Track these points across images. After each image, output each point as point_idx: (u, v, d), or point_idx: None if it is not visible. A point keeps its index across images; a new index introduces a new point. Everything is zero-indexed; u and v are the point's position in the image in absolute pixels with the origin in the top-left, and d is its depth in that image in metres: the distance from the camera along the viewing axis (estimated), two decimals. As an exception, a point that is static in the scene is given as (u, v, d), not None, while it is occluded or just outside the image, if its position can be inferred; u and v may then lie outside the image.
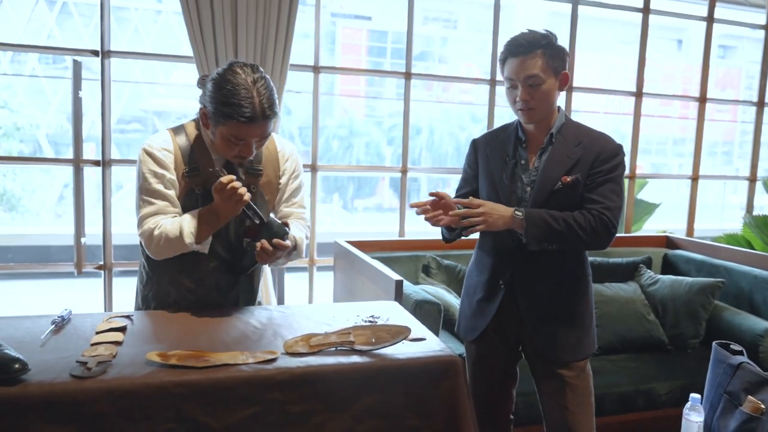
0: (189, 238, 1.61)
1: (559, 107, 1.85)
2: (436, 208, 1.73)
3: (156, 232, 1.62)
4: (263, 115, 1.55)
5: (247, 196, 1.58)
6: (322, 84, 3.40)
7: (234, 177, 1.56)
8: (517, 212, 1.71)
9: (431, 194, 1.75)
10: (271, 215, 1.69)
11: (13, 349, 1.27)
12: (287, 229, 1.67)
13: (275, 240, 1.62)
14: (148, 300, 1.78)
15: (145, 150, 1.67)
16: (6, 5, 12.32)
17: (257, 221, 1.63)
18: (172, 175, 1.66)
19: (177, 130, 1.72)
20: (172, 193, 1.67)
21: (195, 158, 1.68)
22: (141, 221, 1.66)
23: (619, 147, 1.82)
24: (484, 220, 1.69)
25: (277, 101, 1.60)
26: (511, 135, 1.88)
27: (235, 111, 1.52)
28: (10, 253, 9.21)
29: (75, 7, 12.61)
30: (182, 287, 1.74)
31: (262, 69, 1.62)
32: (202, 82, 1.65)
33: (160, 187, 1.65)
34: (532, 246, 1.73)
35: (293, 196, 1.84)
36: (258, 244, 1.62)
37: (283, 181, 1.81)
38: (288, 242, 1.65)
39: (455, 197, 1.94)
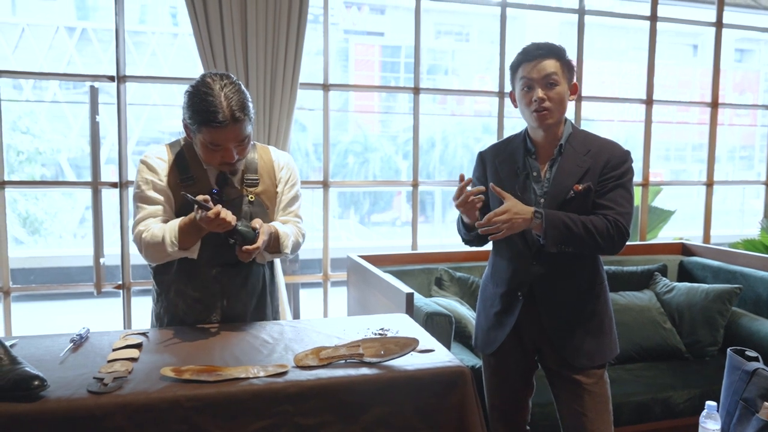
0: (171, 246, 1.65)
1: (566, 118, 1.87)
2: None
3: (144, 235, 1.69)
4: (233, 117, 1.60)
5: (232, 219, 1.61)
6: (336, 100, 3.47)
7: (219, 210, 1.57)
8: (536, 213, 1.71)
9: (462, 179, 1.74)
10: (239, 224, 1.66)
11: (33, 366, 1.31)
12: (256, 232, 1.67)
13: (245, 248, 1.64)
14: (160, 316, 1.82)
15: (141, 161, 1.75)
16: (28, 34, 12.68)
17: (240, 244, 1.65)
18: (162, 183, 1.73)
19: (173, 144, 1.80)
20: (163, 199, 1.73)
21: (189, 168, 1.75)
22: (133, 226, 1.73)
23: (627, 153, 1.83)
24: (509, 226, 1.70)
25: (249, 105, 1.65)
26: (519, 146, 1.89)
27: (206, 117, 1.59)
28: (32, 275, 9.39)
29: (94, 33, 12.92)
30: (188, 297, 1.78)
31: (233, 76, 1.68)
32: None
33: (151, 193, 1.72)
34: (549, 248, 1.74)
35: (289, 205, 1.88)
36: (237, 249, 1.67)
37: (279, 189, 1.85)
38: (258, 243, 1.65)
39: None
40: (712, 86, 4.22)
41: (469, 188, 1.73)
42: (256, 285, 1.86)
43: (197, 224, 1.62)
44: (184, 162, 1.74)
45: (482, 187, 1.74)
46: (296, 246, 1.89)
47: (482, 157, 1.98)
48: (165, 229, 1.67)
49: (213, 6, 2.94)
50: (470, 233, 1.87)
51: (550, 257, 1.80)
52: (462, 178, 1.74)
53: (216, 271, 1.77)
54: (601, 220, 1.74)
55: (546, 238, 1.72)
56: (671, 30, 4.06)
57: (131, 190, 3.21)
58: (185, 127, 1.70)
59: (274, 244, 1.77)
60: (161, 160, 1.74)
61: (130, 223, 3.25)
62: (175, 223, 1.67)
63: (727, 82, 15.44)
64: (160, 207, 1.72)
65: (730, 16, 4.24)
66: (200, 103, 1.59)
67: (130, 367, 1.41)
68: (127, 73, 3.17)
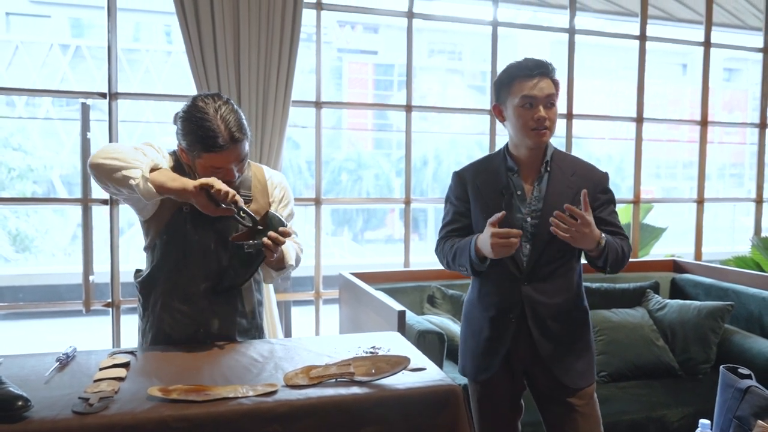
0: (145, 166, 1.56)
1: None
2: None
3: (123, 142, 1.61)
4: (232, 139, 1.60)
5: (239, 199, 1.63)
6: (330, 118, 3.47)
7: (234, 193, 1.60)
8: (602, 239, 1.71)
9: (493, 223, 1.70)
10: (271, 210, 1.75)
11: (17, 386, 1.29)
12: (284, 221, 1.75)
13: (281, 228, 1.69)
14: (145, 332, 1.80)
15: (148, 142, 1.72)
16: (21, 51, 12.70)
17: (250, 224, 1.68)
18: (152, 160, 1.65)
19: (171, 154, 1.78)
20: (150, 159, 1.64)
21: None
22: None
23: (607, 174, 1.90)
24: (579, 234, 1.64)
25: (245, 123, 1.65)
26: (500, 165, 1.86)
27: (206, 143, 1.58)
28: (21, 292, 9.30)
29: (88, 50, 12.97)
30: (176, 312, 1.75)
31: (225, 95, 1.67)
32: (175, 119, 1.70)
33: (148, 153, 1.64)
34: (606, 270, 1.78)
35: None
36: (265, 239, 1.67)
37: (273, 208, 1.84)
38: (290, 230, 1.73)
39: (446, 232, 1.94)
40: (701, 105, 4.26)
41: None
42: (245, 302, 1.84)
43: (185, 188, 1.58)
44: (181, 171, 1.73)
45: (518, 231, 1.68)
46: (298, 259, 1.90)
47: (461, 177, 1.92)
48: (154, 158, 1.61)
49: (206, 24, 2.95)
50: (484, 263, 1.78)
51: (540, 278, 1.80)
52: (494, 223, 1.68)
53: (205, 286, 1.75)
54: (626, 242, 1.81)
55: (606, 261, 1.74)
56: (660, 49, 4.11)
57: (122, 207, 3.21)
58: (182, 151, 1.69)
59: (279, 260, 1.78)
60: (164, 160, 1.73)
61: (122, 239, 3.24)
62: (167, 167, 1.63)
63: (716, 101, 15.65)
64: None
65: (717, 36, 4.29)
66: (197, 129, 1.58)
67: (116, 386, 1.39)
68: (119, 91, 3.16)
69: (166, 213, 1.72)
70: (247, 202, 1.78)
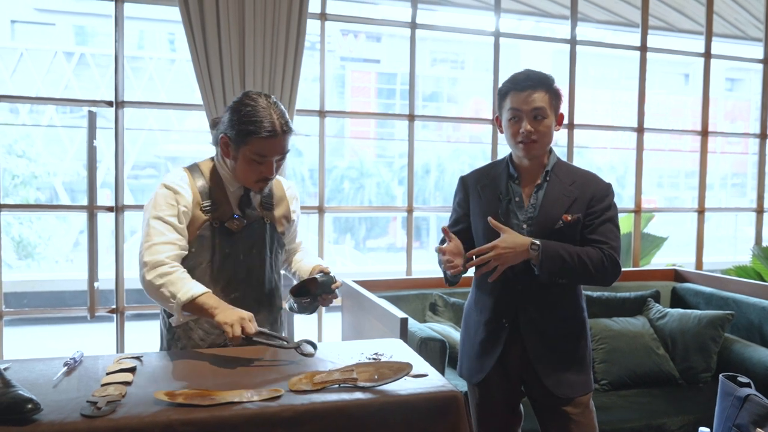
0: (177, 302, 1.63)
1: (550, 147, 1.89)
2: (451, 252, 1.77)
3: (163, 280, 1.64)
4: (282, 130, 1.68)
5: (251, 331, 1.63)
6: (332, 126, 3.50)
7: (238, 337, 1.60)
8: (533, 245, 1.72)
9: (443, 230, 1.80)
10: (318, 276, 1.80)
11: (27, 390, 1.31)
12: (331, 276, 1.82)
13: (333, 285, 1.79)
14: (172, 342, 1.82)
15: (165, 185, 1.74)
16: (26, 58, 12.79)
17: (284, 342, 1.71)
18: (186, 208, 1.72)
19: (192, 169, 1.80)
20: (183, 226, 1.72)
21: (211, 194, 1.76)
22: (148, 246, 1.67)
23: (609, 186, 1.87)
24: (501, 262, 1.72)
25: (290, 121, 1.73)
26: (502, 172, 1.89)
27: (257, 127, 1.65)
28: (25, 299, 9.32)
29: (92, 58, 13.05)
30: (205, 323, 1.77)
31: (273, 96, 1.75)
32: (214, 123, 1.77)
33: (173, 219, 1.70)
34: (543, 278, 1.75)
35: (296, 235, 2.00)
36: (320, 299, 1.80)
37: (294, 218, 1.94)
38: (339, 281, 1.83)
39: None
40: (702, 115, 4.29)
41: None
42: (272, 309, 1.89)
43: (210, 311, 1.63)
44: (205, 187, 1.76)
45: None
46: None
47: (464, 182, 1.97)
48: (188, 284, 1.65)
49: (211, 33, 2.99)
50: (456, 277, 1.85)
51: (534, 284, 1.81)
52: (445, 231, 1.79)
53: (234, 296, 1.77)
54: (597, 252, 1.76)
55: (541, 269, 1.73)
56: (663, 59, 4.15)
57: (127, 214, 3.25)
58: (224, 144, 1.71)
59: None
60: (186, 186, 1.74)
61: (126, 245, 3.28)
62: (199, 290, 1.65)
63: (719, 111, 15.68)
64: (178, 236, 1.70)
65: (718, 46, 4.33)
66: (250, 115, 1.65)
67: (123, 390, 1.41)
68: (125, 99, 3.20)
69: (197, 227, 1.74)
70: (271, 208, 1.85)
